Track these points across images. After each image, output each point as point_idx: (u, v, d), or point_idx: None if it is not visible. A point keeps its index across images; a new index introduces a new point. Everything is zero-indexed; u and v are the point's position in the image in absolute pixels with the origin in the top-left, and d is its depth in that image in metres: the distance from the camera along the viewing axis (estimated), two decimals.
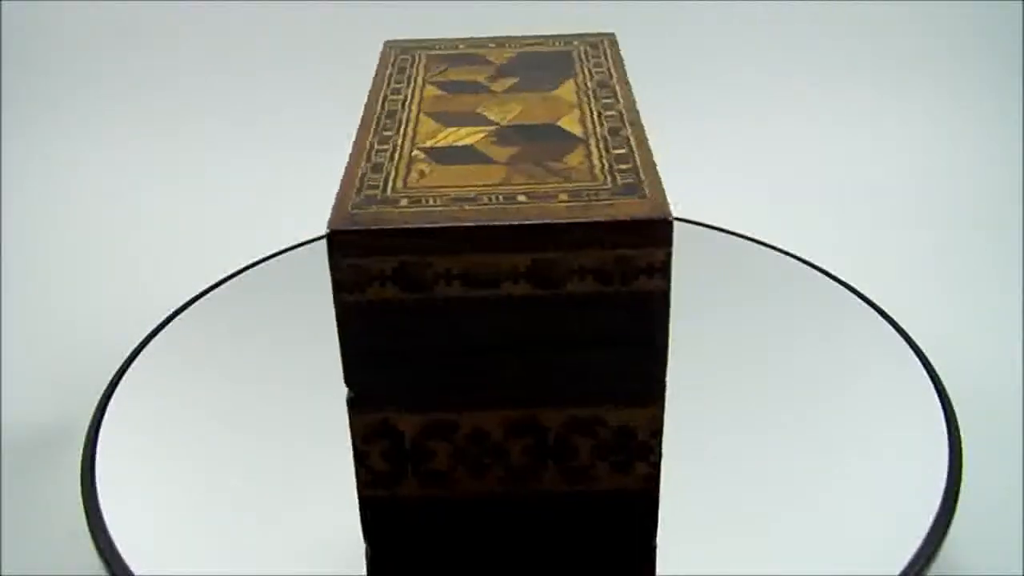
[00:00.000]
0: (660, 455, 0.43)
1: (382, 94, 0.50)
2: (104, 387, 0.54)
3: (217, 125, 0.95)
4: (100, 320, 0.70)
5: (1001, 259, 0.74)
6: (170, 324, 0.59)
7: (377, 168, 0.42)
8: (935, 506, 0.44)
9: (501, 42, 0.56)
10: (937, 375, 0.52)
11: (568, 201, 0.39)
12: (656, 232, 0.38)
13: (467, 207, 0.39)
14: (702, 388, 0.55)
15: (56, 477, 0.54)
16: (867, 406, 0.53)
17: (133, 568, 0.44)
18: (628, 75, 0.55)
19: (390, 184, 0.41)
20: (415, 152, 0.44)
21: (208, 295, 0.62)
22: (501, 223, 0.38)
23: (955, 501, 0.44)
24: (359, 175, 0.42)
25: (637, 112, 0.48)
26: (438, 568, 0.45)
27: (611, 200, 0.39)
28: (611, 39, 0.57)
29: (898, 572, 0.42)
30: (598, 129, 0.45)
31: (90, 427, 0.51)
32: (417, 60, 0.54)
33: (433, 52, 0.55)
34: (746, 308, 0.61)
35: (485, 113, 0.47)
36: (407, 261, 0.39)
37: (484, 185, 0.41)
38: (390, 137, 0.45)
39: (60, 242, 0.82)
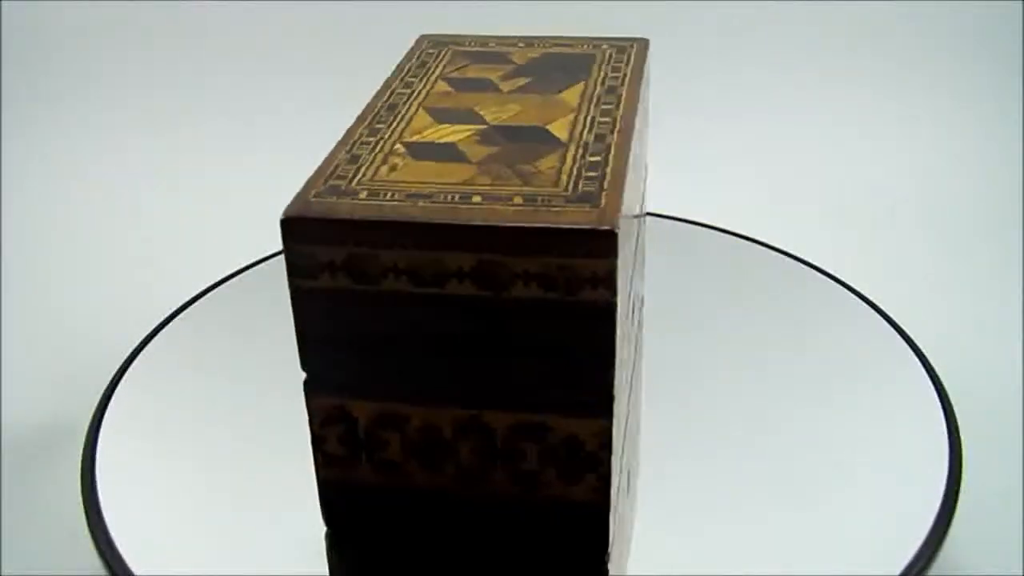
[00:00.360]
0: (610, 468, 0.42)
1: (392, 87, 0.51)
2: (104, 387, 0.54)
3: (218, 124, 0.94)
4: (100, 320, 0.70)
5: (1001, 260, 0.73)
6: (170, 324, 0.59)
7: (353, 159, 0.43)
8: (935, 506, 0.44)
9: (531, 42, 0.56)
10: (937, 375, 0.52)
11: (520, 205, 0.39)
12: (599, 243, 0.38)
13: (420, 203, 0.39)
14: (701, 388, 0.56)
15: (56, 477, 0.54)
16: (867, 406, 0.52)
17: (133, 568, 0.44)
18: (647, 79, 0.55)
19: (358, 176, 0.42)
20: (396, 146, 0.44)
21: (208, 295, 0.62)
22: (444, 221, 0.38)
23: (955, 501, 0.44)
24: (333, 165, 0.43)
25: (634, 120, 0.47)
26: (395, 554, 0.45)
27: (562, 207, 0.39)
28: (642, 44, 0.56)
29: (899, 572, 0.41)
30: (584, 135, 0.45)
31: (90, 427, 0.51)
32: (442, 55, 0.55)
33: (462, 48, 0.56)
34: (746, 308, 0.61)
35: (481, 112, 0.47)
36: (356, 253, 0.39)
37: (447, 183, 0.41)
38: (380, 130, 0.46)
39: (60, 242, 0.82)
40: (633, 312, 0.51)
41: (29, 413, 0.62)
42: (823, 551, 0.44)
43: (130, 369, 0.55)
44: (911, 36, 0.96)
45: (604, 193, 0.40)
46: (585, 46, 0.55)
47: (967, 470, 0.46)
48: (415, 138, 0.45)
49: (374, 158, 0.43)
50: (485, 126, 0.46)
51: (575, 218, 0.38)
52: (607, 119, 0.46)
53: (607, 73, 0.52)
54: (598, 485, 0.42)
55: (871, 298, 0.59)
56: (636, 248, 0.51)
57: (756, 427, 0.52)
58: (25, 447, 0.59)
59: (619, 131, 0.45)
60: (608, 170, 0.42)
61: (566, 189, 0.40)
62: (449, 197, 0.40)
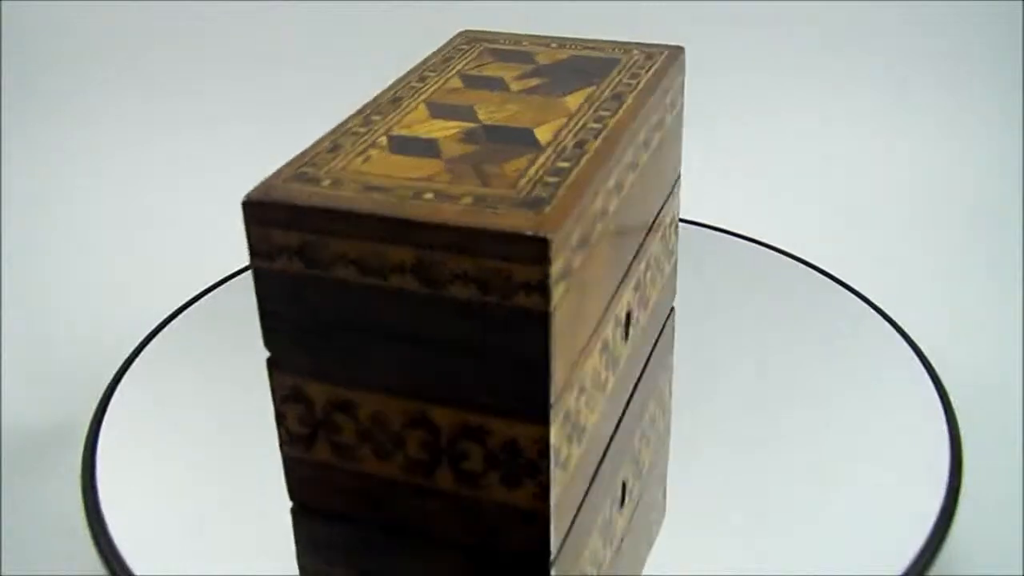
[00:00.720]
0: (549, 477, 0.42)
1: (406, 81, 0.51)
2: (104, 387, 0.54)
3: (220, 123, 0.93)
4: (101, 320, 0.70)
5: (1002, 260, 0.74)
6: (170, 324, 0.59)
7: (335, 148, 0.44)
8: (936, 506, 0.45)
9: (564, 43, 0.56)
10: (937, 375, 0.53)
11: (467, 205, 0.39)
12: (531, 249, 0.37)
13: (374, 195, 0.40)
14: (701, 388, 0.56)
15: (56, 477, 0.54)
16: (868, 407, 0.53)
17: (133, 568, 0.44)
18: (676, 88, 0.54)
19: (330, 165, 0.43)
20: (381, 139, 0.45)
21: (209, 295, 0.62)
22: (386, 214, 0.39)
23: (956, 501, 0.45)
24: (312, 153, 0.44)
25: (632, 127, 0.46)
26: (354, 531, 0.46)
27: (506, 210, 0.39)
28: (674, 52, 0.54)
29: (900, 572, 0.42)
30: (567, 140, 0.44)
31: (90, 427, 0.51)
32: (469, 52, 0.55)
33: (492, 46, 0.56)
34: (747, 308, 0.61)
35: (478, 110, 0.48)
36: (309, 239, 0.40)
37: (408, 178, 0.41)
38: (375, 122, 0.47)
39: (60, 242, 0.81)
40: (629, 323, 0.50)
41: (29, 413, 0.61)
42: (825, 551, 0.45)
43: (131, 369, 0.55)
44: (912, 37, 0.96)
45: (555, 199, 0.39)
46: (615, 50, 0.54)
47: (967, 470, 0.47)
48: (402, 132, 0.46)
49: (355, 149, 0.44)
50: (475, 124, 0.46)
51: (512, 222, 0.38)
52: (598, 125, 0.46)
53: (622, 79, 0.51)
54: (537, 492, 0.42)
55: (872, 299, 0.60)
56: (635, 257, 0.50)
57: (755, 427, 0.52)
58: (25, 447, 0.59)
59: (605, 138, 0.44)
60: (571, 176, 0.41)
61: (519, 192, 0.40)
62: (403, 192, 0.40)
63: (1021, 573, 0.45)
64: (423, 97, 0.49)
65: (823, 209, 0.84)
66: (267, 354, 0.44)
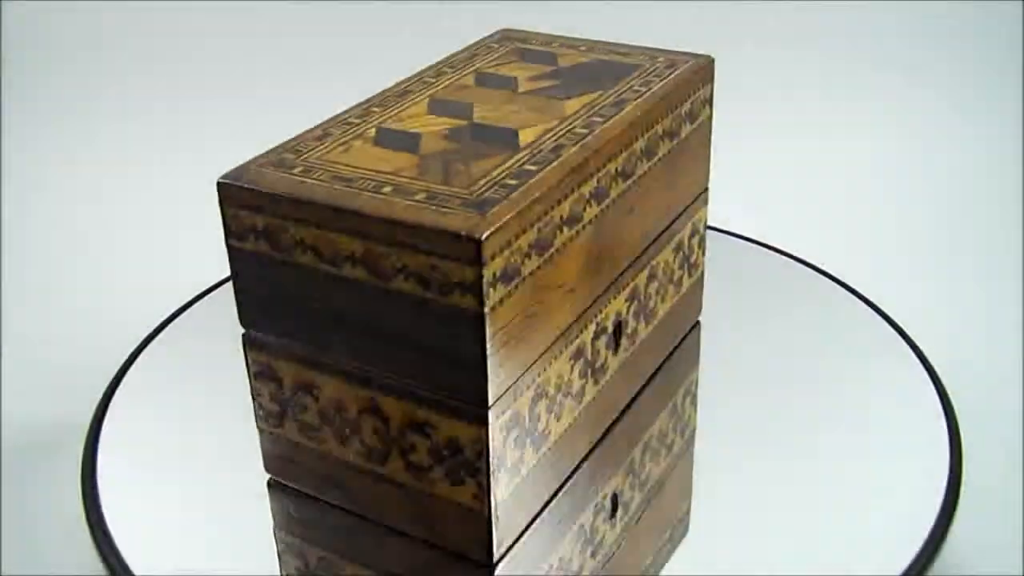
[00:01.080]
0: (488, 477, 0.42)
1: (421, 75, 0.52)
2: (104, 387, 0.54)
3: (221, 121, 0.91)
4: (101, 320, 0.69)
5: (1002, 260, 0.74)
6: (171, 324, 0.59)
7: (322, 137, 0.46)
8: (936, 506, 0.45)
9: (594, 47, 0.55)
10: (937, 375, 0.53)
11: (418, 201, 0.40)
12: (463, 249, 0.37)
13: (335, 186, 0.41)
14: (703, 387, 0.56)
15: (56, 477, 0.53)
16: (868, 407, 0.53)
17: (133, 568, 0.44)
18: (700, 99, 0.52)
19: (310, 153, 0.44)
20: (370, 130, 0.46)
21: (209, 295, 0.62)
22: (336, 204, 0.40)
23: (956, 501, 0.45)
24: (299, 140, 0.45)
25: (626, 136, 0.45)
26: (323, 507, 0.47)
27: (451, 209, 0.39)
28: (701, 61, 0.53)
29: (900, 572, 0.42)
30: (546, 144, 0.44)
31: (90, 427, 0.51)
32: (498, 50, 0.55)
33: (523, 45, 0.56)
34: (745, 308, 0.60)
35: (476, 109, 0.48)
36: (272, 223, 0.42)
37: (377, 171, 0.42)
38: (373, 113, 0.48)
39: (60, 242, 0.80)
40: (620, 333, 0.50)
41: (29, 413, 0.61)
42: (825, 550, 0.45)
43: (131, 369, 0.55)
44: (913, 37, 0.98)
45: (506, 201, 0.39)
46: (640, 56, 0.54)
47: (967, 470, 0.47)
48: (393, 125, 0.47)
49: (341, 138, 0.45)
50: (464, 122, 0.47)
51: (450, 221, 0.38)
52: (585, 131, 0.45)
53: (633, 86, 0.50)
54: (477, 492, 0.42)
55: (871, 299, 0.61)
56: (631, 267, 0.49)
57: (754, 427, 0.52)
58: (25, 447, 0.58)
59: (585, 144, 0.44)
60: (533, 180, 0.41)
61: (473, 192, 0.40)
62: (365, 184, 0.41)
63: (1021, 573, 0.45)
64: (430, 92, 0.50)
65: (821, 210, 0.84)
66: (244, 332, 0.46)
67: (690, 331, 0.59)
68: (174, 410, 0.54)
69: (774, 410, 0.53)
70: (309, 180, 0.42)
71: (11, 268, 0.78)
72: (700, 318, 0.60)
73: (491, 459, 0.41)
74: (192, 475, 0.51)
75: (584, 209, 0.44)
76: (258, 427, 0.48)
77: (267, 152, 0.45)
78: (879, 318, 0.59)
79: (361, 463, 0.45)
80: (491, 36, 0.58)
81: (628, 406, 0.53)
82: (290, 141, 0.46)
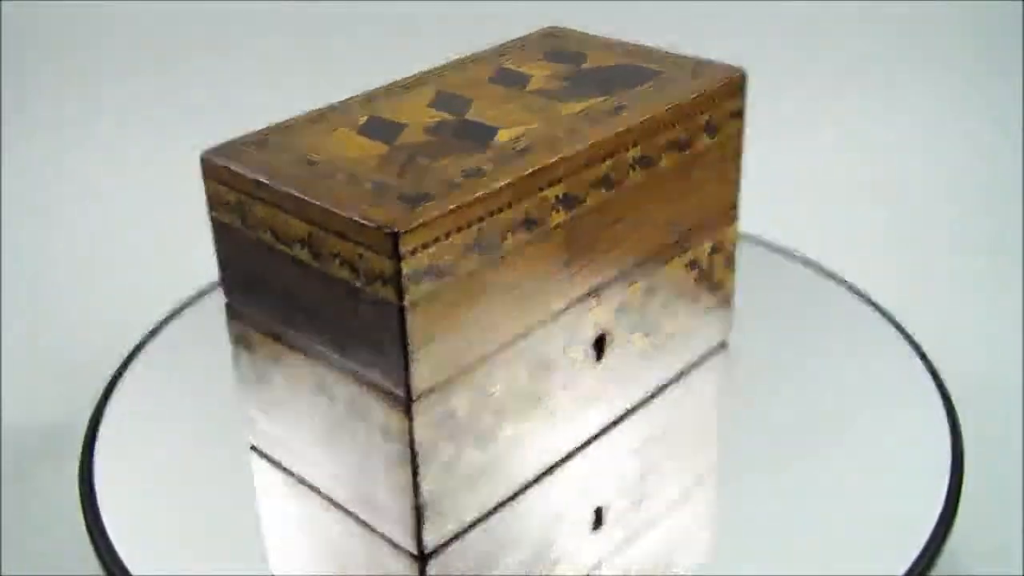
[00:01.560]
0: (416, 471, 0.42)
1: (444, 66, 0.53)
2: (103, 387, 0.54)
3: (216, 121, 0.84)
4: (100, 320, 0.69)
5: (1002, 260, 0.74)
6: (169, 324, 0.60)
7: (316, 120, 0.47)
8: (938, 506, 0.46)
9: (630, 50, 0.54)
10: (939, 375, 0.53)
11: (364, 191, 0.40)
12: (382, 242, 0.38)
13: (296, 170, 0.42)
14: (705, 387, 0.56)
15: (56, 477, 0.54)
16: (869, 407, 0.53)
17: (131, 568, 0.44)
18: (726, 112, 0.51)
19: (295, 136, 0.46)
20: (362, 118, 0.47)
21: (208, 295, 0.62)
22: (286, 189, 0.41)
23: (957, 502, 0.46)
24: (292, 122, 0.47)
25: (596, 142, 0.44)
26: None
27: (388, 202, 0.39)
28: (730, 73, 0.51)
29: (902, 572, 0.43)
30: (519, 144, 0.44)
31: (89, 427, 0.51)
32: (530, 47, 0.55)
33: (559, 42, 0.55)
34: (747, 308, 0.59)
35: (473, 105, 0.48)
36: (240, 199, 0.44)
37: (344, 157, 0.43)
38: (376, 100, 0.49)
39: (60, 242, 0.80)
40: (603, 345, 0.49)
41: (29, 413, 0.61)
42: (826, 551, 0.45)
43: (129, 369, 0.56)
44: (914, 36, 0.96)
45: (444, 197, 0.39)
46: (668, 63, 0.52)
47: (968, 470, 0.48)
48: (386, 115, 0.47)
49: (332, 124, 0.47)
50: (454, 118, 0.47)
51: (377, 213, 0.39)
52: (562, 133, 0.45)
53: (643, 93, 0.49)
54: (406, 483, 0.43)
55: (873, 298, 0.61)
56: (618, 278, 0.48)
57: (755, 426, 0.53)
58: (25, 447, 0.58)
59: (552, 148, 0.43)
60: (482, 179, 0.41)
61: (419, 188, 0.40)
62: (326, 170, 0.42)
63: (1021, 573, 0.45)
64: (440, 85, 0.50)
65: (823, 208, 0.85)
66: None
67: (712, 351, 0.57)
68: (173, 410, 0.54)
69: (772, 411, 0.53)
70: (277, 162, 0.43)
71: (11, 268, 0.78)
72: (727, 339, 0.58)
73: (417, 451, 0.42)
74: (190, 475, 0.51)
75: (549, 213, 0.43)
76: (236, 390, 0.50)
77: (259, 131, 0.47)
78: (883, 318, 0.59)
79: (312, 441, 0.47)
80: (535, 32, 0.58)
81: (618, 420, 0.52)
82: (286, 122, 0.47)
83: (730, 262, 0.56)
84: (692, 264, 0.53)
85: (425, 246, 0.39)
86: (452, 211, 0.39)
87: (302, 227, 0.41)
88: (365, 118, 0.47)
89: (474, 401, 0.43)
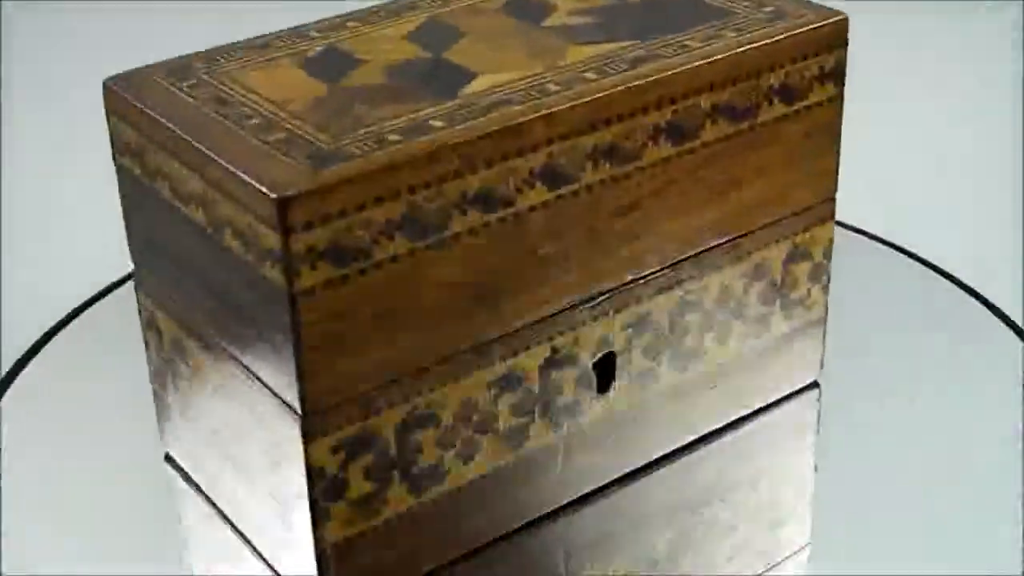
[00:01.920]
0: (314, 507, 0.42)
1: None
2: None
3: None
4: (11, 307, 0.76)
5: None
6: (75, 321, 0.64)
7: (262, 48, 0.48)
8: None
9: None
10: None
11: (271, 143, 0.40)
12: (266, 208, 0.38)
13: (202, 110, 0.43)
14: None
15: None
16: (980, 397, 0.58)
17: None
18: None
19: (223, 66, 0.46)
20: (314, 49, 0.47)
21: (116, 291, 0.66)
22: (179, 132, 0.42)
23: None
24: (230, 49, 0.48)
25: (600, 101, 0.43)
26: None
27: (291, 160, 0.39)
28: (827, 22, 0.48)
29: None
30: (494, 96, 0.43)
31: None
32: None
33: None
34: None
35: (458, 41, 0.48)
36: (140, 142, 0.44)
37: (268, 100, 0.43)
38: (347, 29, 0.49)
39: None
40: (606, 371, 0.48)
41: None
42: (941, 552, 0.50)
43: (28, 366, 0.60)
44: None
45: (366, 160, 0.39)
46: (748, 5, 0.50)
47: None
48: (347, 46, 0.47)
49: (276, 54, 0.47)
50: (429, 56, 0.46)
51: (268, 172, 0.39)
52: (557, 88, 0.43)
53: (693, 39, 0.47)
54: (304, 523, 0.43)
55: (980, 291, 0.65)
56: (628, 286, 0.47)
57: (866, 422, 0.57)
58: None
59: (537, 103, 0.42)
60: (423, 139, 0.40)
61: (336, 143, 0.40)
62: (238, 114, 0.43)
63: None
64: (435, 11, 0.50)
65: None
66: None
67: (793, 394, 0.55)
68: (74, 408, 0.58)
69: (881, 404, 0.57)
70: (185, 97, 0.44)
71: None
72: (818, 379, 0.56)
73: (315, 482, 0.42)
74: (90, 473, 0.54)
75: (519, 189, 0.42)
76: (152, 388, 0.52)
77: (180, 57, 0.47)
78: (992, 315, 0.62)
79: (218, 456, 0.47)
80: None
81: (644, 469, 0.51)
82: (222, 48, 0.48)
83: (821, 275, 0.53)
84: (758, 273, 0.51)
85: (327, 219, 0.38)
86: (371, 175, 0.39)
87: (197, 183, 0.42)
88: (319, 49, 0.47)
89: (408, 427, 0.43)
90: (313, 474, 0.42)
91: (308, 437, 0.41)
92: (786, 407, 0.55)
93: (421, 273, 0.41)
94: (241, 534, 0.48)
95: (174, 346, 0.48)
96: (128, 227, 0.48)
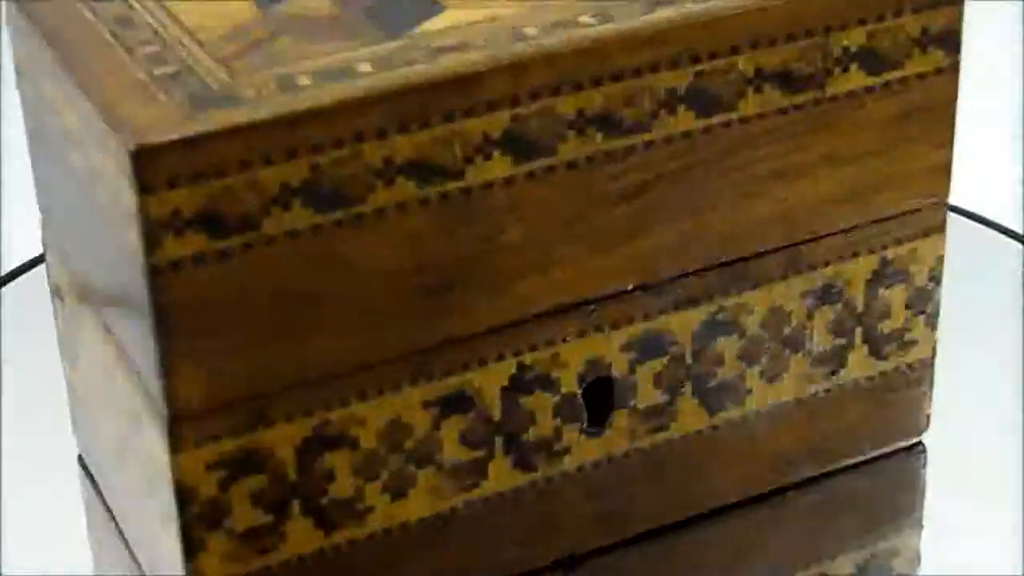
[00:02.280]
0: (191, 538, 0.43)
1: None
2: None
3: None
4: None
5: None
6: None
7: None
8: None
9: None
10: None
11: (147, 77, 0.42)
12: (121, 158, 0.39)
13: (103, 35, 0.45)
14: None
15: None
16: None
17: None
18: None
19: None
20: None
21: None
22: (61, 58, 0.44)
23: None
24: None
25: (599, 50, 0.44)
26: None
27: (164, 98, 0.41)
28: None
29: None
30: (452, 39, 0.44)
31: None
32: None
33: None
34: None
35: None
36: (32, 66, 0.47)
37: (181, 26, 0.45)
38: None
39: None
40: (602, 401, 0.48)
41: None
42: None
43: None
44: None
45: (253, 103, 0.40)
46: None
47: None
48: None
49: None
50: None
51: (131, 113, 0.40)
52: (533, 31, 0.44)
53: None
54: (172, 550, 0.44)
55: None
56: (633, 295, 0.47)
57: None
58: None
59: (488, 53, 0.43)
60: (340, 85, 0.41)
61: (234, 82, 0.41)
62: (130, 37, 0.45)
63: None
64: None
65: None
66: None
67: (879, 459, 0.54)
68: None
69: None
70: (85, 12, 0.46)
71: None
72: (922, 440, 0.55)
73: (185, 507, 0.43)
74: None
75: (469, 159, 0.43)
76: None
77: None
78: None
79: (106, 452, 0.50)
80: None
81: (651, 536, 0.51)
82: None
83: (928, 300, 0.52)
84: (826, 294, 0.50)
85: (199, 177, 0.40)
86: (261, 126, 0.40)
87: (73, 120, 0.44)
88: None
89: (311, 446, 0.44)
90: (183, 493, 0.43)
91: (177, 446, 0.43)
92: (870, 477, 0.54)
93: (332, 254, 0.42)
94: (134, 558, 0.50)
95: (73, 318, 0.51)
96: (33, 167, 0.51)
